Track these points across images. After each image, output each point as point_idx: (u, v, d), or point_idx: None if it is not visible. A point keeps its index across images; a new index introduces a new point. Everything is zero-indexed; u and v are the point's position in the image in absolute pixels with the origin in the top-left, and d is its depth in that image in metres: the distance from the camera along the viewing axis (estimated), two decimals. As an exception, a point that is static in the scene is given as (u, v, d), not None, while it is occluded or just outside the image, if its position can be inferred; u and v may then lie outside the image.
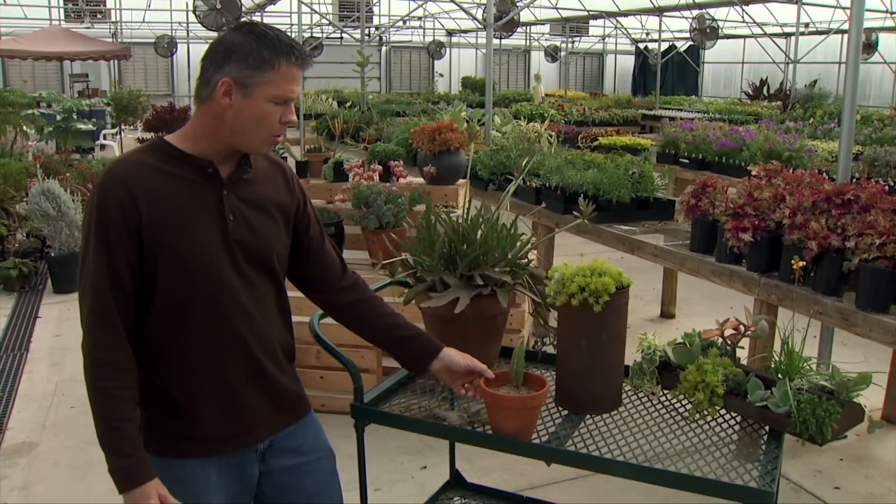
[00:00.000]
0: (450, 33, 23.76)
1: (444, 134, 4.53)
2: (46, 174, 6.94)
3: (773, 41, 15.50)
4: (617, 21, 19.36)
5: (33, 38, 15.92)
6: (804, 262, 3.17)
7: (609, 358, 2.06)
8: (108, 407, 1.64)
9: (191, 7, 10.49)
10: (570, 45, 24.08)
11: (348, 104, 12.08)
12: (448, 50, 23.24)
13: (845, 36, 17.29)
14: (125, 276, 1.66)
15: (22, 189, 7.47)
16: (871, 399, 2.26)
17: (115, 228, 1.64)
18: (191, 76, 20.66)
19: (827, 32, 16.01)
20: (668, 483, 1.79)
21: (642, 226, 4.70)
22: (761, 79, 18.30)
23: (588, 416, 2.08)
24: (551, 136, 7.05)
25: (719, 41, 16.03)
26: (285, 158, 4.93)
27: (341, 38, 17.34)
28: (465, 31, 23.11)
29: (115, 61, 18.33)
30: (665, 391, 2.21)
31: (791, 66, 14.52)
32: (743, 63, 22.10)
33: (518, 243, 2.24)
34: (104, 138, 14.44)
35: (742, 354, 2.29)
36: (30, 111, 10.44)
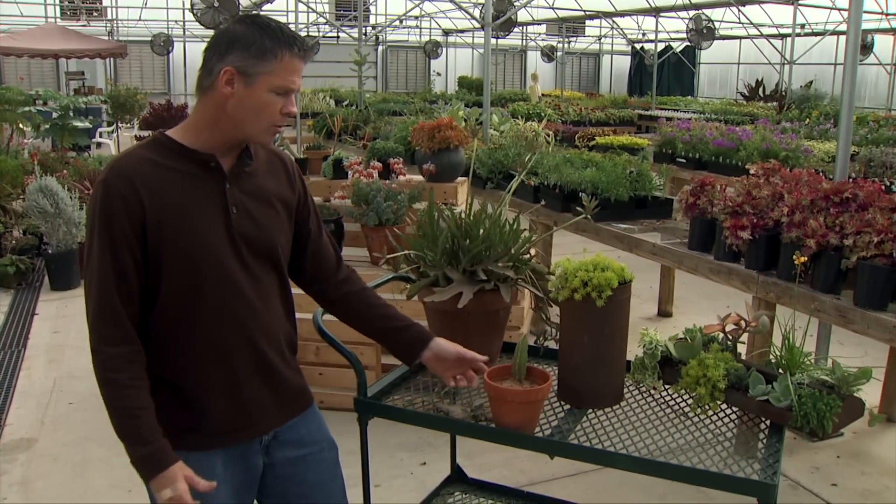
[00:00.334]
0: (446, 33, 23.77)
1: (444, 131, 4.54)
2: (43, 171, 6.93)
3: (770, 42, 15.54)
4: (613, 21, 19.38)
5: (29, 35, 15.88)
6: (805, 259, 3.19)
7: (611, 352, 2.07)
8: (122, 398, 1.65)
9: (188, 5, 10.49)
10: (566, 45, 24.11)
11: (345, 103, 12.08)
12: (444, 49, 23.25)
13: (841, 37, 17.42)
14: (130, 272, 1.66)
15: (18, 186, 7.46)
16: (868, 396, 2.27)
17: (119, 224, 1.64)
18: (187, 74, 20.64)
19: (823, 34, 16.08)
20: (672, 476, 1.81)
21: (640, 224, 4.72)
22: (757, 80, 18.35)
23: (590, 411, 2.09)
24: (549, 136, 7.07)
25: (715, 42, 16.06)
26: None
27: (338, 37, 17.34)
28: (462, 31, 23.11)
29: (112, 59, 18.29)
30: (666, 386, 2.22)
31: (787, 66, 14.57)
32: (739, 64, 22.15)
33: (521, 238, 2.25)
34: (100, 136, 14.42)
35: (740, 350, 2.31)
36: (26, 108, 10.41)
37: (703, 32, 14.51)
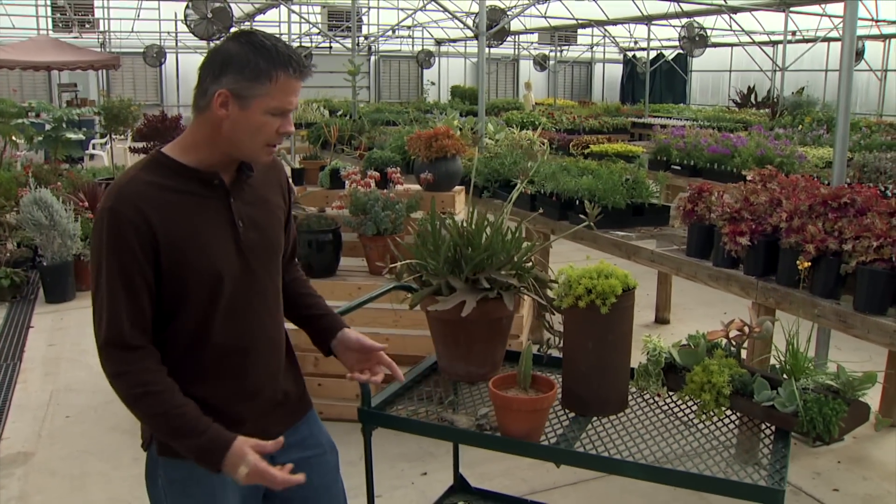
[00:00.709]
0: (438, 42, 23.83)
1: (441, 140, 4.53)
2: (37, 183, 6.90)
3: (761, 49, 15.63)
4: (605, 30, 19.48)
5: (22, 47, 15.84)
6: (809, 264, 3.20)
7: (616, 360, 2.07)
8: (159, 404, 1.63)
9: (180, 17, 10.49)
10: (558, 53, 24.21)
11: (339, 113, 12.09)
12: (437, 59, 23.30)
13: (832, 44, 17.52)
14: (143, 297, 1.64)
15: (12, 198, 7.43)
16: (867, 400, 2.27)
17: (130, 252, 1.62)
18: (180, 86, 20.61)
19: (814, 40, 16.18)
20: (679, 483, 1.80)
21: (638, 231, 4.72)
22: (749, 86, 18.43)
23: (595, 418, 2.08)
24: (544, 144, 7.08)
25: (706, 49, 16.16)
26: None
27: (330, 47, 17.38)
28: (454, 41, 23.17)
29: (104, 71, 18.26)
30: (670, 393, 2.22)
31: (778, 73, 14.64)
32: (730, 71, 22.26)
33: (524, 246, 2.25)
34: (94, 148, 14.39)
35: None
36: (19, 120, 10.38)
37: (695, 40, 14.59)
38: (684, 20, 14.93)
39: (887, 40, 16.89)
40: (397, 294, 2.45)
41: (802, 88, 16.90)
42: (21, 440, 4.03)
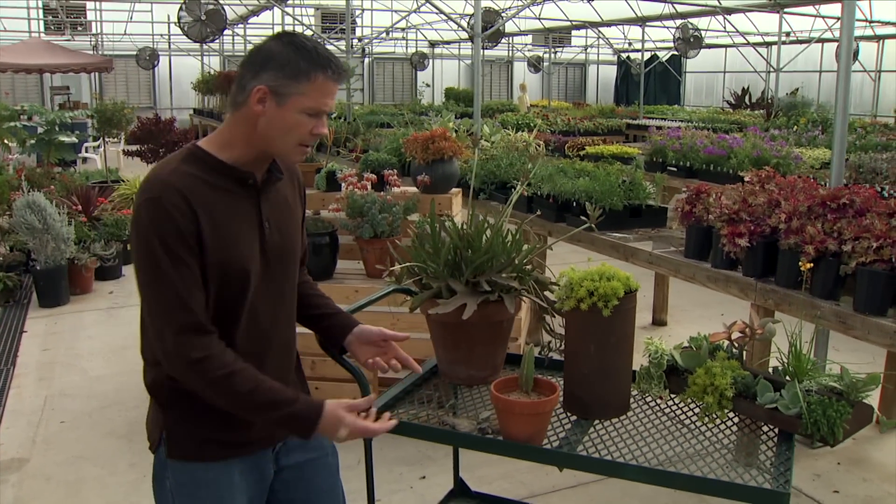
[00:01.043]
0: (432, 44, 23.83)
1: (438, 143, 4.51)
2: (30, 187, 6.86)
3: (756, 50, 15.66)
4: (599, 31, 19.48)
5: (14, 50, 15.77)
6: (811, 265, 3.19)
7: (618, 362, 2.05)
8: (246, 381, 1.64)
9: (173, 19, 10.45)
10: (552, 55, 24.22)
11: (334, 115, 12.06)
12: (431, 61, 23.29)
13: (826, 45, 17.55)
14: (198, 283, 1.63)
15: (5, 202, 7.38)
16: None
17: (183, 240, 1.60)
18: (173, 88, 20.56)
19: (808, 41, 16.22)
20: (683, 486, 1.79)
21: (635, 233, 4.71)
22: (743, 87, 18.46)
23: (597, 421, 2.07)
24: (540, 145, 7.06)
25: (701, 50, 16.17)
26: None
27: (325, 49, 17.28)
28: (448, 42, 23.17)
29: (97, 74, 18.20)
30: (672, 395, 2.20)
31: (773, 74, 14.67)
32: (724, 72, 22.30)
33: (524, 248, 2.23)
34: (86, 151, 14.33)
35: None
36: (12, 123, 10.32)
37: (689, 41, 14.60)
38: (678, 21, 14.94)
39: (881, 41, 16.96)
40: (395, 297, 2.43)
41: (797, 89, 16.96)
42: (15, 446, 4.00)
